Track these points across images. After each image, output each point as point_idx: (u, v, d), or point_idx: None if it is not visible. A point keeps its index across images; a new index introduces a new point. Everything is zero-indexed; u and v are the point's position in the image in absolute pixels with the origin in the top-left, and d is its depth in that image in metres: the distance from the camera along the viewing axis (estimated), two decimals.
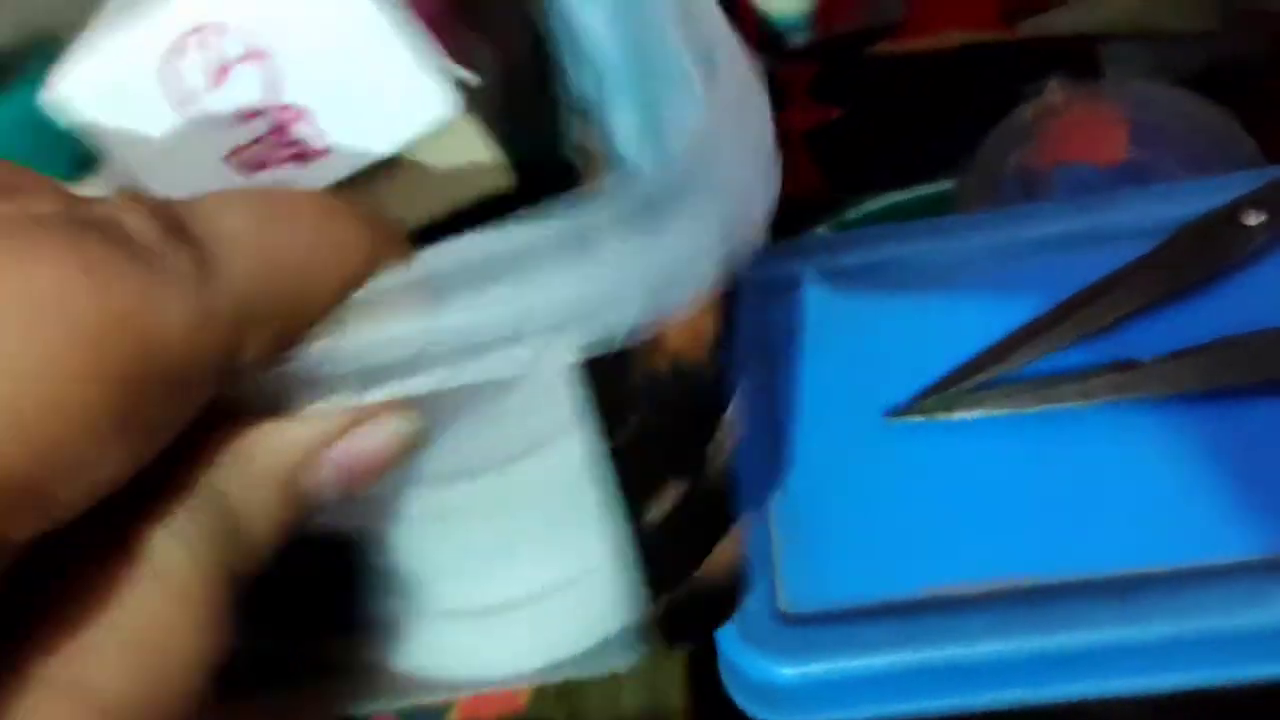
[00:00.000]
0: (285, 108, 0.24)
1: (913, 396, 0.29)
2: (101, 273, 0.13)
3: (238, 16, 0.22)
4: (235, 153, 0.25)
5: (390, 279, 0.16)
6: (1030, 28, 0.40)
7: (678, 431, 0.22)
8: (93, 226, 0.14)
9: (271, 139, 0.25)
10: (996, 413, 0.28)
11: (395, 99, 0.24)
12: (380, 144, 0.24)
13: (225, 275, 0.14)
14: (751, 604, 0.27)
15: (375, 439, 0.18)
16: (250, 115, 0.24)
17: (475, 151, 0.25)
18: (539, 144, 0.27)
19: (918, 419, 0.29)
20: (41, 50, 0.26)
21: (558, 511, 0.22)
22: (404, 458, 0.18)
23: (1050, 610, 0.25)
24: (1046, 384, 0.28)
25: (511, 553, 0.23)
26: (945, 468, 0.28)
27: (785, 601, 0.27)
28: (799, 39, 0.40)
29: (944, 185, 0.45)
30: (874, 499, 0.28)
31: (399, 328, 0.16)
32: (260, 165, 0.25)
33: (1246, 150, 0.38)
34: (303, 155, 0.25)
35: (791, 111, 0.43)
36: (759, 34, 0.40)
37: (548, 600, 0.24)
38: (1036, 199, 0.39)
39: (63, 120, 0.24)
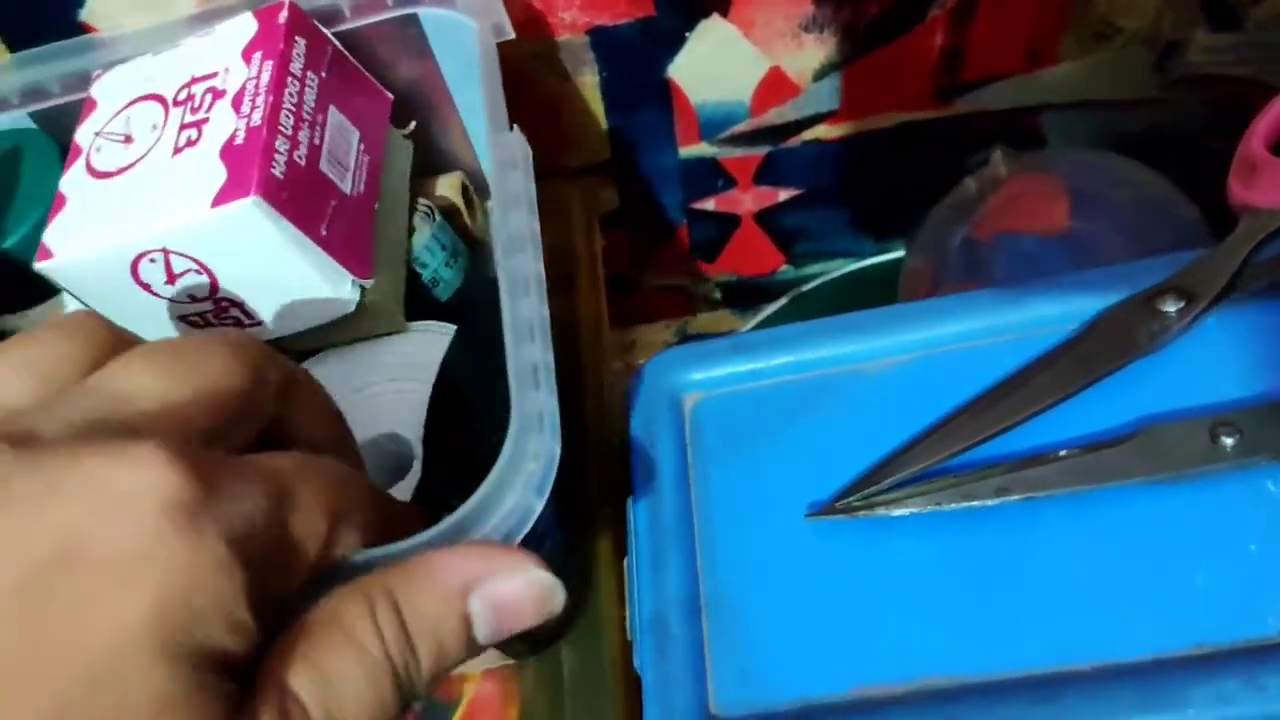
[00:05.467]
0: (223, 299, 0.31)
1: (834, 495, 0.29)
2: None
3: (178, 246, 0.29)
4: (184, 318, 0.32)
5: None
6: (969, 103, 0.40)
7: None
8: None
9: (212, 316, 0.31)
10: (917, 510, 0.28)
11: (305, 295, 0.31)
12: (297, 324, 0.32)
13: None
14: (684, 708, 0.27)
15: (516, 584, 0.20)
16: (196, 299, 0.31)
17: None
18: None
19: (840, 518, 0.29)
20: None
21: None
22: (542, 610, 0.20)
23: (975, 711, 0.25)
24: (966, 479, 0.28)
25: None
26: (868, 566, 0.28)
27: (717, 705, 0.27)
28: (738, 128, 0.40)
29: (896, 254, 0.45)
30: (800, 600, 0.28)
31: None
32: (205, 324, 0.32)
33: (1189, 216, 0.38)
34: (239, 323, 0.32)
35: (741, 196, 0.44)
36: (698, 124, 0.40)
37: None
38: (980, 270, 0.39)
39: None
